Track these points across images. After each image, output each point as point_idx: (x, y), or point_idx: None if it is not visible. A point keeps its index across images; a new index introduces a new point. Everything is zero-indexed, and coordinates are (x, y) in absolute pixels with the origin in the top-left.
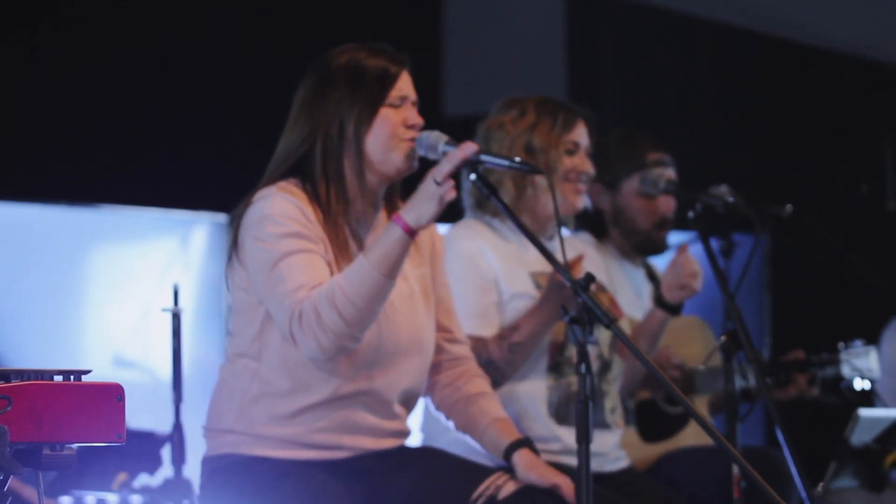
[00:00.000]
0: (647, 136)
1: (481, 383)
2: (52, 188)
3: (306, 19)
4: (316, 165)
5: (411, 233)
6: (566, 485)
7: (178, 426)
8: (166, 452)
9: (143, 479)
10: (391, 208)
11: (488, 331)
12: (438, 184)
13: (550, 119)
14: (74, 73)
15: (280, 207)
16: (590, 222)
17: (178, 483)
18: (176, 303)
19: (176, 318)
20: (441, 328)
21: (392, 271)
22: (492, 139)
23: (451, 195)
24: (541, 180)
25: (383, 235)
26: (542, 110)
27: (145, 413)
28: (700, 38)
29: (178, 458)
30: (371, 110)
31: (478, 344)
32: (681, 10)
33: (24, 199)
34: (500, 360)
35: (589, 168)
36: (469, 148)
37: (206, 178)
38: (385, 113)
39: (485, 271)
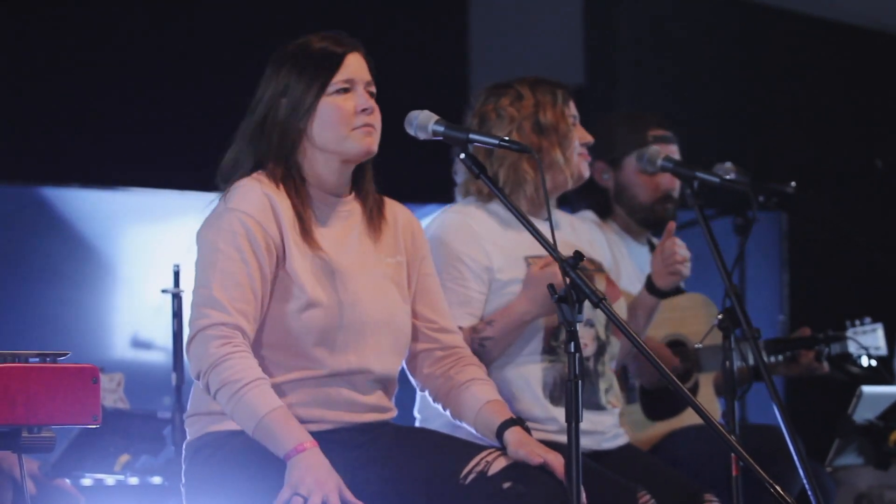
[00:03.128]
0: (651, 114)
1: (474, 370)
2: (77, 171)
3: (332, 12)
4: (276, 149)
5: (288, 459)
6: (556, 461)
7: (179, 407)
8: (168, 434)
9: (145, 461)
10: (362, 196)
11: (468, 321)
12: None
13: (551, 96)
14: (93, 55)
15: (244, 203)
16: (594, 200)
17: (179, 463)
18: (177, 284)
19: (177, 299)
20: (423, 318)
21: (261, 440)
22: (492, 126)
23: None
24: (546, 157)
25: (285, 436)
26: (539, 90)
27: (165, 394)
28: (716, 14)
29: (180, 439)
30: (315, 97)
31: None
32: None
33: (49, 183)
34: None
35: (591, 137)
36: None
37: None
38: (331, 100)
39: (474, 259)
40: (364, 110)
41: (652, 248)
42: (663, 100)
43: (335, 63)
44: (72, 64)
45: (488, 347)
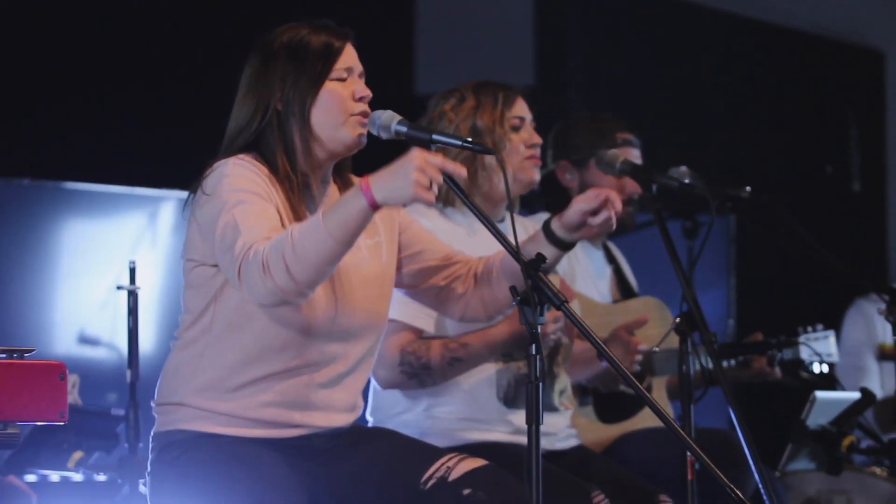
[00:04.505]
0: (616, 117)
1: (487, 257)
2: (19, 164)
3: (274, 14)
4: (269, 138)
5: (375, 208)
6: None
7: (133, 404)
8: (122, 431)
9: (98, 458)
10: (342, 183)
11: (426, 323)
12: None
13: (491, 98)
14: (41, 49)
15: (237, 170)
16: (553, 200)
17: (133, 461)
18: (133, 281)
19: (132, 295)
20: (431, 259)
21: (348, 239)
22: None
23: (428, 199)
24: (491, 161)
25: (346, 201)
26: (481, 92)
27: (111, 391)
28: (666, 20)
29: (134, 437)
30: (316, 84)
31: (420, 346)
32: None
33: None
34: (436, 368)
35: (539, 139)
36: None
37: (172, 156)
38: (331, 87)
39: None
40: (361, 98)
41: (608, 252)
42: (613, 102)
43: (336, 51)
44: (17, 57)
45: (456, 367)
